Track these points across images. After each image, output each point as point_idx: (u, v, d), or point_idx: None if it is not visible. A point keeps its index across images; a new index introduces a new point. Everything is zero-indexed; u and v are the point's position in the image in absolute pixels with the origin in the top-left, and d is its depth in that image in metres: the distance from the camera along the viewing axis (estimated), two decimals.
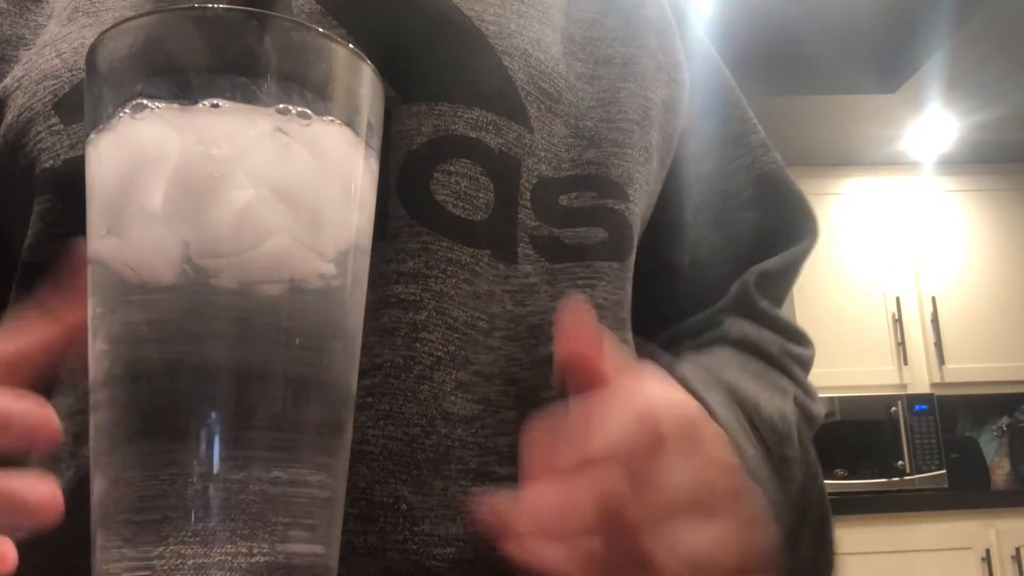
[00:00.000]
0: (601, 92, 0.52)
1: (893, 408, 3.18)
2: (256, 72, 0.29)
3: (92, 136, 0.30)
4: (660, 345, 0.55)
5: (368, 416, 0.40)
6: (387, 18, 0.48)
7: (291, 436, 0.28)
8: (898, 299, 3.34)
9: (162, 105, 0.28)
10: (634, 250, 0.51)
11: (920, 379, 3.28)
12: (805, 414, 0.51)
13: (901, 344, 3.29)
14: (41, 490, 0.29)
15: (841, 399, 3.10)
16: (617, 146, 0.51)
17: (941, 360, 3.29)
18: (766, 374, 0.51)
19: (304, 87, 0.29)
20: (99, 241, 0.30)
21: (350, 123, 0.31)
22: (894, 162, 3.49)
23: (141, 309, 0.28)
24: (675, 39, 0.59)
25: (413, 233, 0.44)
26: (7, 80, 0.51)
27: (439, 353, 0.42)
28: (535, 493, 0.32)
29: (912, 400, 3.20)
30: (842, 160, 3.46)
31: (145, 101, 0.28)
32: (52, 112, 0.47)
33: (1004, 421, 3.36)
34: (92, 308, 0.30)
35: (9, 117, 0.49)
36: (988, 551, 2.83)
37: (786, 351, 0.54)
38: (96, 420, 0.29)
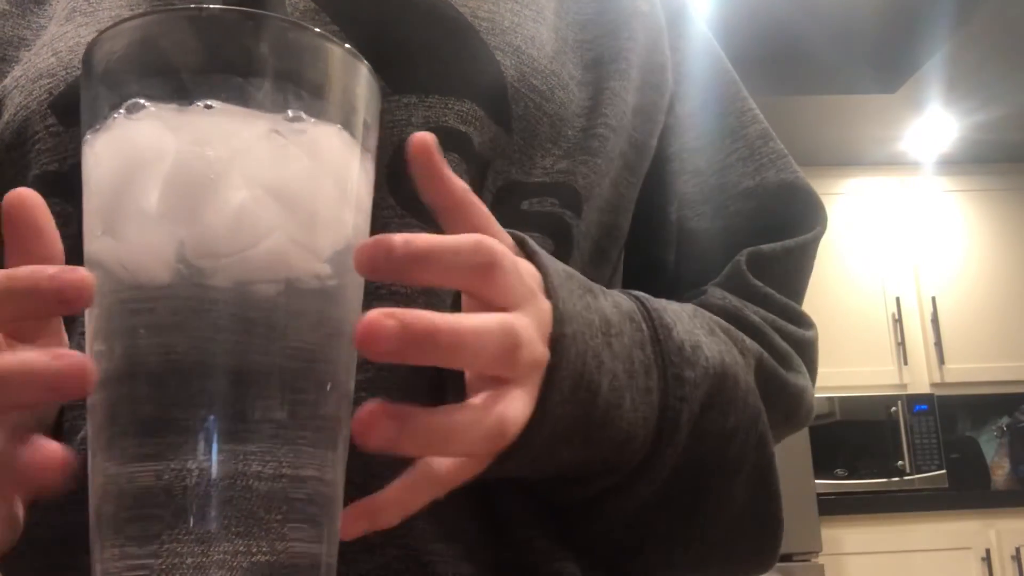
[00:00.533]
0: (587, 99, 0.53)
1: (893, 408, 3.18)
2: (252, 72, 0.29)
3: (88, 136, 0.30)
4: None
5: None
6: (380, 12, 0.48)
7: (289, 435, 0.28)
8: (898, 299, 3.34)
9: (158, 105, 0.28)
10: (576, 263, 0.50)
11: (920, 379, 3.28)
12: (771, 377, 0.49)
13: (901, 344, 3.29)
14: (49, 448, 0.29)
15: (841, 399, 3.10)
16: (590, 154, 0.51)
17: (941, 360, 3.29)
18: (717, 324, 0.48)
19: (300, 87, 0.29)
20: (95, 242, 0.30)
21: (346, 123, 0.31)
22: (894, 162, 3.50)
23: (137, 309, 0.28)
24: (662, 39, 0.59)
25: (403, 224, 0.44)
26: (6, 80, 0.52)
27: None
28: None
29: (912, 400, 3.20)
30: (842, 160, 3.46)
31: (141, 101, 0.29)
32: (48, 111, 0.47)
33: (1004, 421, 3.36)
34: (89, 308, 0.30)
35: (6, 116, 0.49)
36: (988, 551, 2.83)
37: (774, 325, 0.52)
38: (93, 419, 0.29)
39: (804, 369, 0.53)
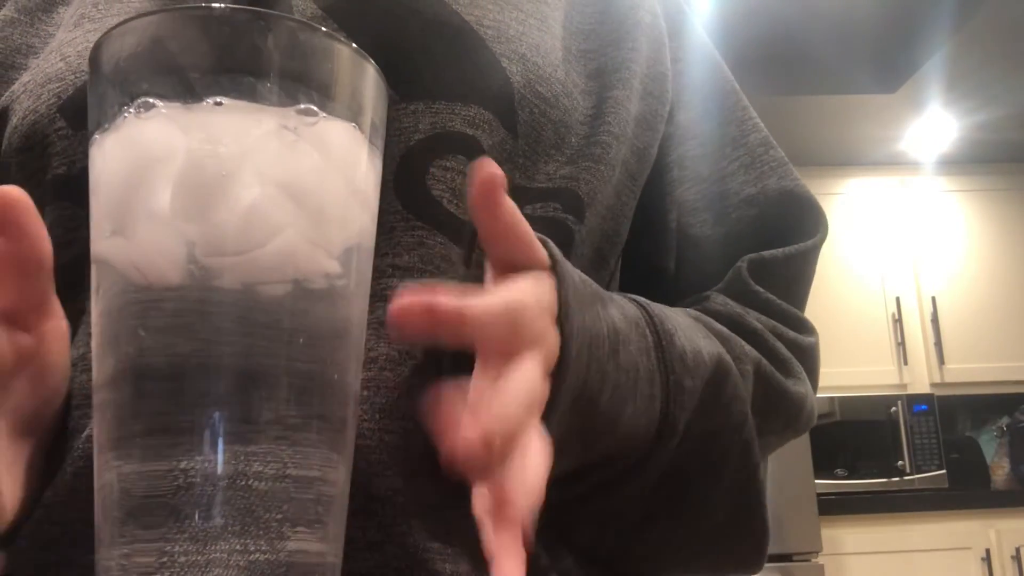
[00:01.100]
0: (591, 107, 0.53)
1: (893, 408, 3.18)
2: (261, 71, 0.29)
3: (96, 136, 0.30)
4: None
5: (364, 410, 0.41)
6: (386, 21, 0.49)
7: (295, 434, 0.28)
8: (898, 299, 3.34)
9: (167, 104, 0.28)
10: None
11: (920, 379, 3.28)
12: (769, 383, 0.50)
13: (901, 344, 3.29)
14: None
15: (841, 399, 3.10)
16: (593, 161, 0.51)
17: (941, 360, 3.29)
18: (712, 329, 0.49)
19: (309, 86, 0.29)
20: (104, 241, 0.30)
21: (355, 122, 0.31)
22: (894, 162, 3.50)
23: (147, 309, 0.28)
24: (663, 49, 0.60)
25: (408, 227, 0.44)
26: (14, 86, 0.52)
27: (433, 346, 0.42)
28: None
29: (912, 400, 3.20)
30: (842, 160, 3.46)
31: (150, 100, 0.29)
32: (57, 115, 0.47)
33: (1004, 421, 3.36)
34: (95, 307, 0.30)
35: (14, 120, 0.50)
36: (988, 551, 2.83)
37: (775, 331, 0.53)
38: (100, 418, 0.29)
39: (805, 375, 0.53)
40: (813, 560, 2.67)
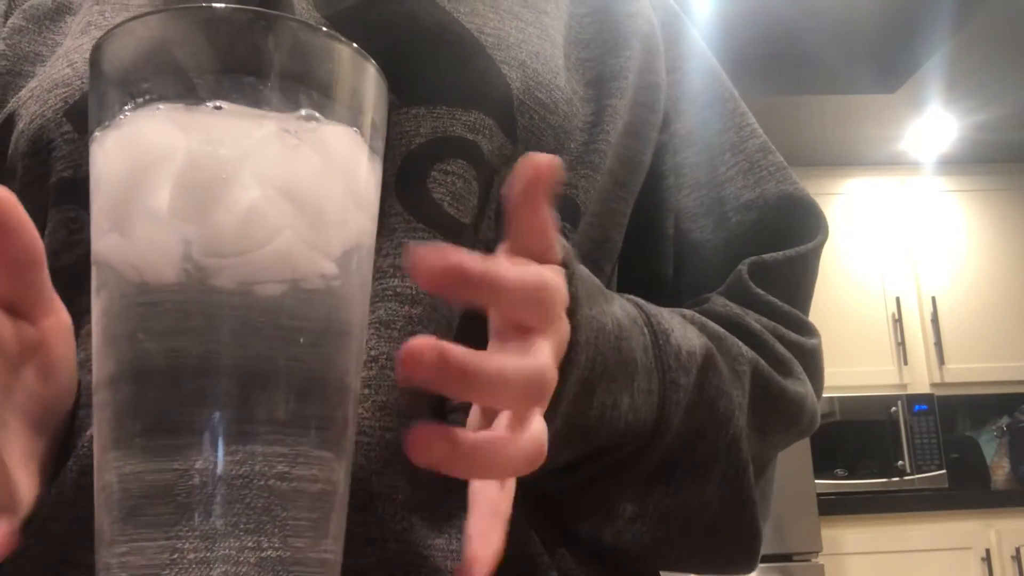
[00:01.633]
0: (589, 115, 0.54)
1: (893, 408, 3.18)
2: (262, 72, 0.29)
3: (97, 134, 0.30)
4: None
5: (365, 407, 0.41)
6: (387, 28, 0.50)
7: (295, 433, 0.28)
8: (898, 299, 3.34)
9: (168, 104, 0.28)
10: None
11: (920, 379, 3.28)
12: (767, 383, 0.50)
13: (901, 344, 3.29)
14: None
15: (841, 399, 3.10)
16: (592, 169, 0.52)
17: (941, 360, 3.29)
18: (714, 330, 0.49)
19: (310, 86, 0.29)
20: (103, 239, 0.30)
21: (355, 123, 0.31)
22: (894, 162, 3.50)
23: (145, 308, 0.28)
24: (657, 59, 0.60)
25: (409, 229, 0.45)
26: (22, 92, 0.53)
27: None
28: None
29: (912, 400, 3.20)
30: (842, 160, 3.46)
31: (151, 100, 0.29)
32: (64, 119, 0.48)
33: (1004, 421, 3.36)
34: (95, 307, 0.30)
35: (20, 124, 0.50)
36: (988, 551, 2.84)
37: (775, 332, 0.53)
38: (100, 417, 0.29)
39: (805, 376, 0.53)
40: (813, 560, 2.68)
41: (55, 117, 0.48)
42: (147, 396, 0.28)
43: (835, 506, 2.86)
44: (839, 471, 3.09)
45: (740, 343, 0.50)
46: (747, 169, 0.60)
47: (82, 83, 0.49)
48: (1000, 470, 3.32)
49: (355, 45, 0.31)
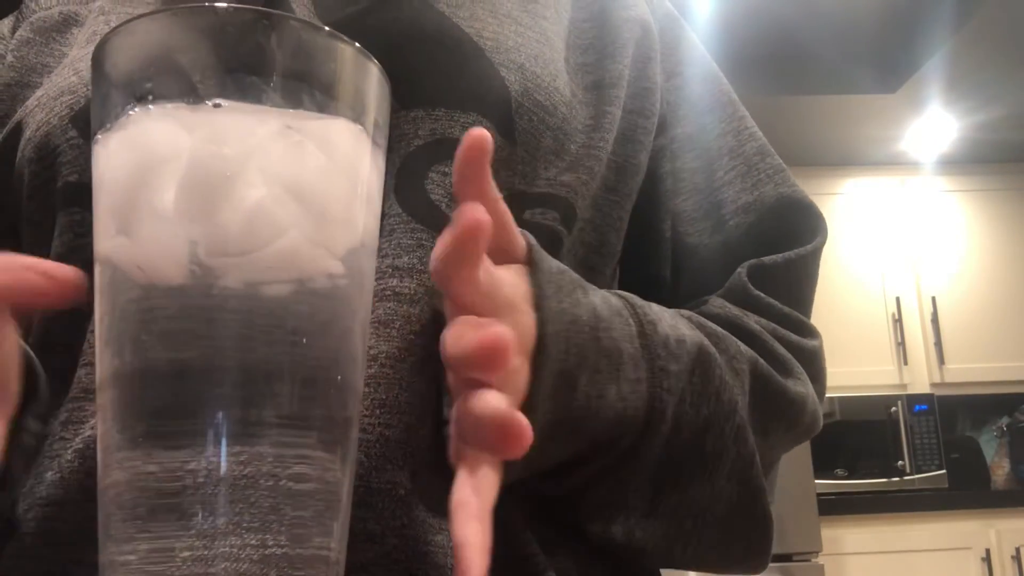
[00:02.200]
0: (589, 118, 0.54)
1: (893, 408, 3.18)
2: (264, 71, 0.29)
3: (99, 135, 0.30)
4: None
5: (365, 405, 0.41)
6: (387, 32, 0.50)
7: (299, 432, 0.28)
8: (898, 299, 3.34)
9: (171, 103, 0.28)
10: None
11: (920, 379, 3.28)
12: (767, 382, 0.50)
13: (901, 344, 3.29)
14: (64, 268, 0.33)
15: (841, 399, 3.10)
16: (589, 174, 0.53)
17: (941, 360, 3.29)
18: (712, 329, 0.49)
19: (312, 86, 0.29)
20: (107, 241, 0.30)
21: (358, 121, 0.31)
22: (894, 162, 3.50)
23: (150, 308, 0.28)
24: (652, 65, 0.61)
25: (409, 230, 0.45)
26: (29, 101, 0.54)
27: (432, 345, 0.43)
28: None
29: (912, 400, 3.20)
30: (842, 160, 3.46)
31: (155, 99, 0.29)
32: (69, 125, 0.49)
33: (1004, 421, 3.36)
34: (100, 308, 0.30)
35: (27, 132, 0.51)
36: (988, 551, 2.84)
37: (774, 333, 0.53)
38: (104, 417, 0.29)
39: (805, 377, 0.53)
40: (813, 560, 2.68)
41: (61, 124, 0.49)
42: (153, 396, 0.28)
43: (835, 506, 2.86)
44: (839, 471, 3.09)
45: (739, 342, 0.50)
46: (745, 172, 0.60)
47: (87, 91, 0.50)
48: (1000, 470, 3.32)
49: (357, 44, 0.31)
